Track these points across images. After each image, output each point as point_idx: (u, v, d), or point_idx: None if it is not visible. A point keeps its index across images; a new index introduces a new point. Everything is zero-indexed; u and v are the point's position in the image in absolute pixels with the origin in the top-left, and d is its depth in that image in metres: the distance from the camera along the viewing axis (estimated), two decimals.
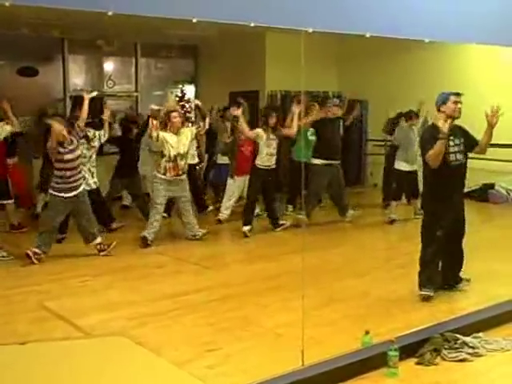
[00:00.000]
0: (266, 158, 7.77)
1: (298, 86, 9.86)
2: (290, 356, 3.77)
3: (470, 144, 5.19)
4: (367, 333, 4.09)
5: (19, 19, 8.96)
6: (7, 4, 2.95)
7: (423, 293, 5.18)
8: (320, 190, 8.45)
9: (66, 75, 11.54)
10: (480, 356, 4.17)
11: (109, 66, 12.47)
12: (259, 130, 7.77)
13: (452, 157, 5.07)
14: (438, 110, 5.14)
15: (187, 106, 12.81)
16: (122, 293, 5.54)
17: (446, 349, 4.17)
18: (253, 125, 8.19)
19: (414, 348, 4.13)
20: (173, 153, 7.12)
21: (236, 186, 8.58)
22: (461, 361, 4.09)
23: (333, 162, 8.31)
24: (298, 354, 3.71)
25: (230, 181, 8.66)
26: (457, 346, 4.21)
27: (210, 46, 12.60)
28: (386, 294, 5.41)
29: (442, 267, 5.34)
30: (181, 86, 12.84)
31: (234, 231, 8.15)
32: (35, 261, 6.29)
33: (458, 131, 5.17)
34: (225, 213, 8.56)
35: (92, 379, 3.81)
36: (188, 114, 12.64)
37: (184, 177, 7.36)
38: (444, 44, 8.75)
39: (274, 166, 7.87)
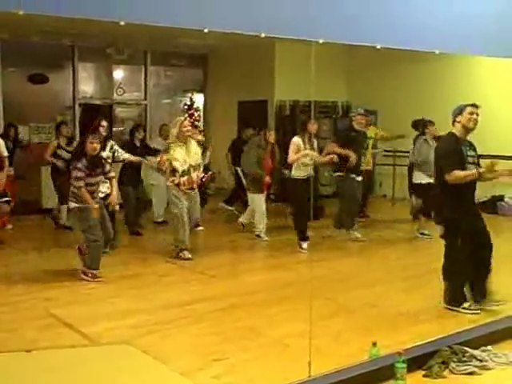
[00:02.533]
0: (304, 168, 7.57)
1: (308, 96, 9.91)
2: (297, 367, 3.76)
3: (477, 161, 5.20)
4: (375, 344, 4.06)
5: (30, 27, 9.05)
6: (20, 13, 2.97)
7: (470, 311, 5.11)
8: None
9: (76, 83, 11.62)
10: (489, 369, 4.13)
11: (118, 73, 12.56)
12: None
13: (469, 167, 5.06)
14: (454, 121, 5.12)
15: (196, 114, 12.87)
16: (128, 301, 5.54)
17: (454, 362, 4.13)
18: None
19: (422, 360, 4.10)
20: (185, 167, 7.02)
21: (263, 201, 8.32)
22: (469, 374, 4.06)
23: None
24: (305, 365, 3.69)
25: (255, 196, 8.33)
26: (465, 359, 4.17)
27: (219, 55, 12.66)
28: (394, 305, 5.38)
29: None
30: (190, 94, 12.90)
31: (240, 240, 8.16)
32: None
33: (470, 145, 5.17)
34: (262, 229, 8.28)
35: None
36: (196, 123, 12.71)
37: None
38: (454, 56, 8.73)
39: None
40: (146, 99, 12.56)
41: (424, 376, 4.01)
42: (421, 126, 8.49)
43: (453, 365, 4.10)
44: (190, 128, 7.19)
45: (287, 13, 3.90)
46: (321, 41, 3.92)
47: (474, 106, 5.08)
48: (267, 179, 8.20)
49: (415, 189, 8.37)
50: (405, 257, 7.46)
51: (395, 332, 4.66)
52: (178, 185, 7.01)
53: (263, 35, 3.74)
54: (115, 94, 12.35)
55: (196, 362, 4.13)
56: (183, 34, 8.90)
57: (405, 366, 3.82)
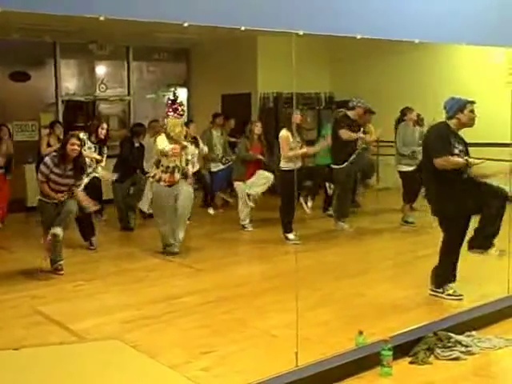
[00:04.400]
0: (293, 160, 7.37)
1: (291, 88, 9.90)
2: (285, 357, 3.80)
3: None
4: (361, 333, 4.11)
5: (10, 24, 8.96)
6: None
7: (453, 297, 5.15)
8: None
9: (58, 79, 11.54)
10: (473, 354, 4.20)
11: (101, 69, 12.48)
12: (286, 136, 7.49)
13: None
14: (451, 117, 5.01)
15: (180, 108, 12.83)
16: (116, 296, 5.55)
17: (439, 348, 4.19)
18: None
19: (407, 347, 4.16)
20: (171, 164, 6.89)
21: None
22: (454, 359, 4.12)
23: None
24: (292, 355, 3.73)
25: (238, 184, 8.40)
26: (450, 344, 4.24)
27: (202, 49, 12.62)
28: (379, 294, 5.43)
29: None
30: (173, 89, 12.85)
31: (226, 233, 8.19)
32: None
33: (460, 139, 5.11)
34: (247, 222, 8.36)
35: (87, 383, 3.81)
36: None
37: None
38: (435, 45, 8.78)
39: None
40: (129, 95, 12.51)
41: (410, 363, 4.07)
42: (401, 113, 8.60)
43: (438, 351, 4.17)
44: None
45: (266, 5, 3.91)
46: (301, 32, 3.93)
47: (473, 102, 4.99)
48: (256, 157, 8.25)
49: (401, 177, 8.41)
50: (390, 245, 7.52)
51: (382, 320, 4.71)
52: (158, 180, 6.92)
53: (243, 28, 3.75)
54: (98, 90, 12.27)
55: (185, 355, 4.16)
56: (164, 28, 8.85)
57: (391, 353, 3.88)
